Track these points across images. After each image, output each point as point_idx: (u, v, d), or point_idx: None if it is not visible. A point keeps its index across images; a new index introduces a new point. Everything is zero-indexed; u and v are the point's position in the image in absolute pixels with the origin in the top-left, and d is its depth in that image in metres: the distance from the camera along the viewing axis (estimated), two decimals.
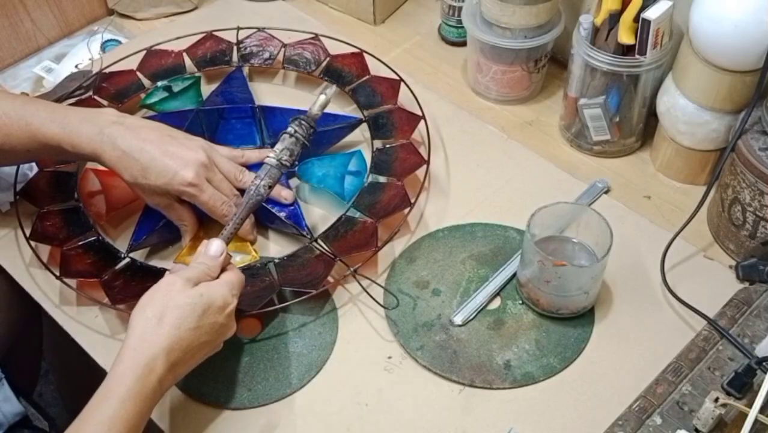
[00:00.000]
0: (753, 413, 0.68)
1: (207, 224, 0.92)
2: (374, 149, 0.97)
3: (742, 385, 0.74)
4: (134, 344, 0.68)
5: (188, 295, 0.71)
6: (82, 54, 1.15)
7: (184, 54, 1.11)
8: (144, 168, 0.82)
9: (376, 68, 1.08)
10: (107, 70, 1.09)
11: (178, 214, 0.87)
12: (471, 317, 0.84)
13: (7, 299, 0.97)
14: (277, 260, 0.87)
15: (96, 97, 1.05)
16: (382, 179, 0.94)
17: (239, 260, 0.89)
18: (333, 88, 0.92)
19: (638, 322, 0.84)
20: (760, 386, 0.70)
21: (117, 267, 0.86)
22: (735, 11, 0.82)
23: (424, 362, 0.81)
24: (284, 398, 0.79)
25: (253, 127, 1.03)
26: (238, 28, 1.14)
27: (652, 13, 0.87)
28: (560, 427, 0.77)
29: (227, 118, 1.03)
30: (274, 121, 1.01)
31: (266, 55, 1.11)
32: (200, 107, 1.02)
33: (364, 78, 1.06)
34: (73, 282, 0.86)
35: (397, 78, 1.06)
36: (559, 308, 0.83)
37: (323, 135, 0.99)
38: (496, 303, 0.86)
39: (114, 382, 0.67)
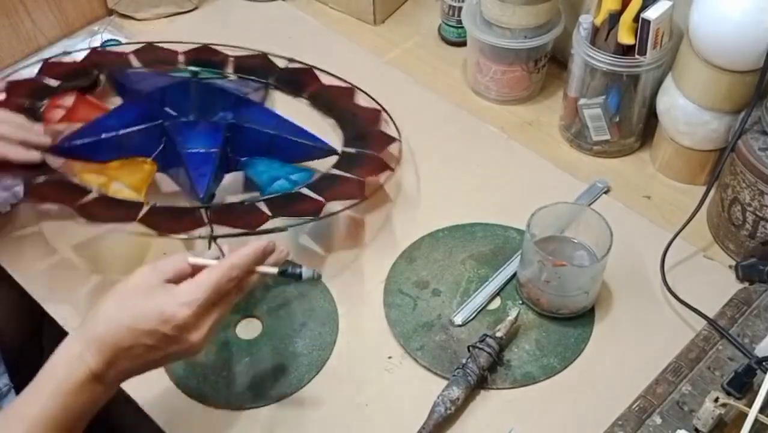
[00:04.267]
0: (753, 413, 0.68)
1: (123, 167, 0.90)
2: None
3: (742, 385, 0.74)
4: (77, 329, 0.64)
5: (139, 293, 0.65)
6: (83, 54, 1.15)
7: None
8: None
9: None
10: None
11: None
12: (471, 317, 0.84)
13: (16, 306, 0.97)
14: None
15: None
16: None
17: (127, 193, 0.86)
18: None
19: (638, 322, 0.84)
20: (760, 386, 0.70)
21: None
22: (735, 11, 0.82)
23: (424, 362, 0.81)
24: (284, 398, 0.79)
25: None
26: (290, 60, 1.10)
27: (652, 13, 0.87)
28: (560, 427, 0.77)
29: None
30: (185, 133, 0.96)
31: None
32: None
33: (351, 112, 1.02)
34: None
35: (383, 112, 1.01)
36: (559, 308, 0.83)
37: (294, 145, 0.96)
38: (496, 303, 0.86)
39: (48, 370, 0.63)
